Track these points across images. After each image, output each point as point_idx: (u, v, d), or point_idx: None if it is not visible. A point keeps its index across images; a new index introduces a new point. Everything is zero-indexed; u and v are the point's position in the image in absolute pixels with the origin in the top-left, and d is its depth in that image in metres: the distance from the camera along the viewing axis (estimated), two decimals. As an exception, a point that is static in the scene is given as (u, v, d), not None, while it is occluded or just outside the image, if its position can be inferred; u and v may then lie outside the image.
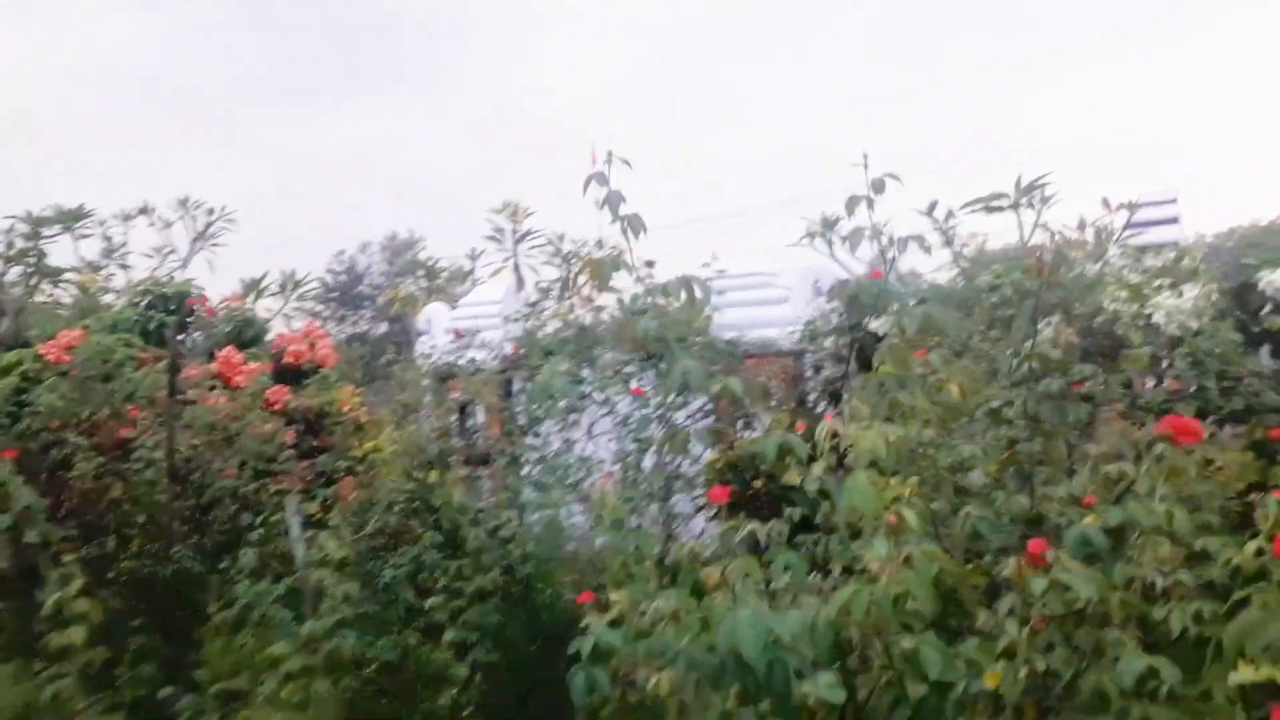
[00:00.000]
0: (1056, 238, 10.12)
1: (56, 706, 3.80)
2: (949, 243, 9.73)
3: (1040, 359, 3.37)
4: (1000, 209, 10.90)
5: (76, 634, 3.83)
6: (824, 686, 2.27)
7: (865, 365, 8.46)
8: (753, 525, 2.80)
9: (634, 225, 3.52)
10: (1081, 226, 10.45)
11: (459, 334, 8.72)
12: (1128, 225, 10.26)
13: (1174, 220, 15.68)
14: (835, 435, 2.75)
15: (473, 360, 8.50)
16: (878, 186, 3.82)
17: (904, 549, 2.54)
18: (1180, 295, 6.54)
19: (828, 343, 8.66)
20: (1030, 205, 11.01)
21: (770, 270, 11.05)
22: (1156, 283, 7.18)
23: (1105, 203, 10.15)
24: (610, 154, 3.48)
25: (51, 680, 3.87)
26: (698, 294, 3.42)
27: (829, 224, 11.48)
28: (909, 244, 4.03)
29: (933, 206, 10.22)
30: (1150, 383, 6.93)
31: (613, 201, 3.47)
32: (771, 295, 10.69)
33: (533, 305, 10.10)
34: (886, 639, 2.49)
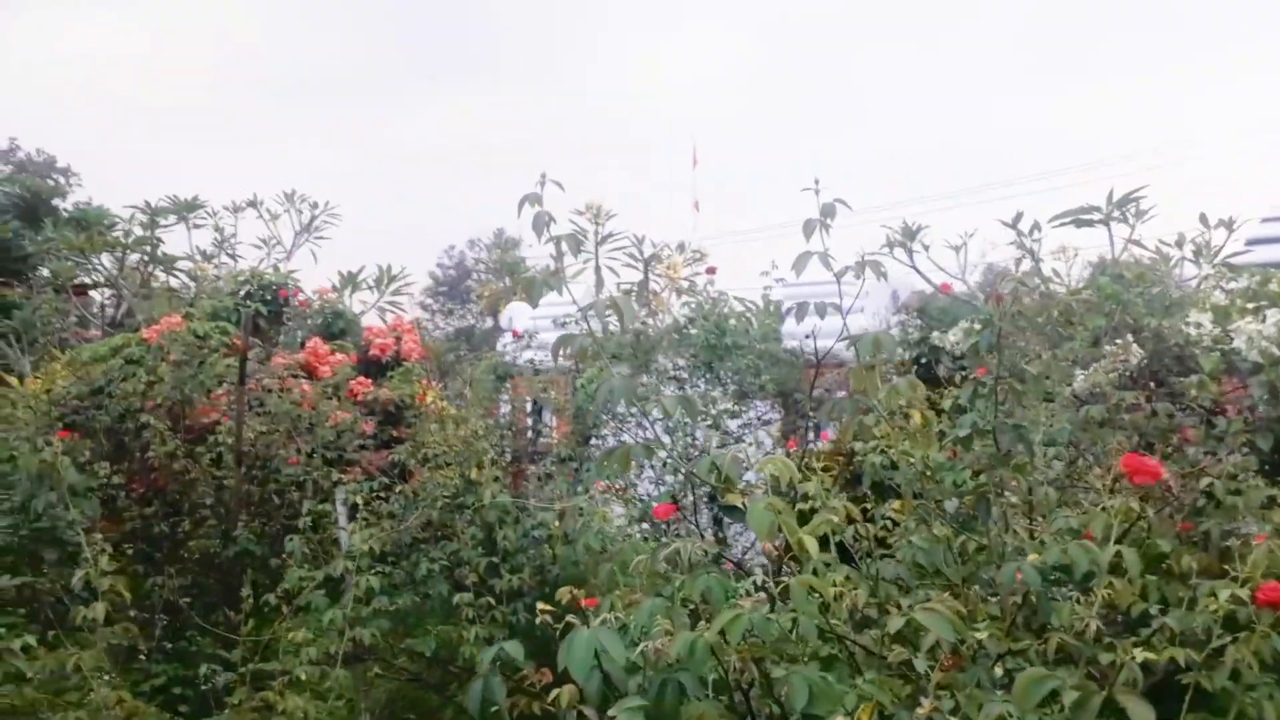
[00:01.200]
0: (1156, 254, 9.69)
1: (80, 679, 4.05)
2: (1031, 256, 9.41)
3: (1010, 388, 3.23)
4: (1091, 223, 10.46)
5: (98, 609, 4.07)
6: (624, 711, 2.26)
7: (931, 380, 8.28)
8: (678, 544, 2.79)
9: (571, 245, 3.55)
10: (1180, 242, 9.99)
11: (517, 334, 8.88)
12: (1229, 242, 9.74)
13: (1299, 237, 14.70)
14: (738, 461, 2.72)
15: (530, 361, 8.63)
16: (827, 211, 3.76)
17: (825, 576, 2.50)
18: (1263, 320, 6.16)
19: (859, 352, 8.47)
20: (1123, 219, 10.53)
21: (847, 280, 10.86)
22: (1247, 305, 6.79)
23: (1203, 219, 9.66)
24: (544, 175, 3.52)
25: (75, 654, 4.12)
26: (625, 315, 3.43)
27: (909, 233, 11.25)
28: (865, 268, 3.95)
29: (1017, 218, 9.93)
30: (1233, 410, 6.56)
31: (537, 224, 3.50)
32: (845, 305, 10.51)
33: (609, 307, 10.19)
34: (764, 666, 2.45)
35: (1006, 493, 3.27)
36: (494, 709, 2.89)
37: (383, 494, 6.10)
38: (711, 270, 8.18)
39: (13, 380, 8.91)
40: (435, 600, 5.55)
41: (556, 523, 5.84)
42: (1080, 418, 4.48)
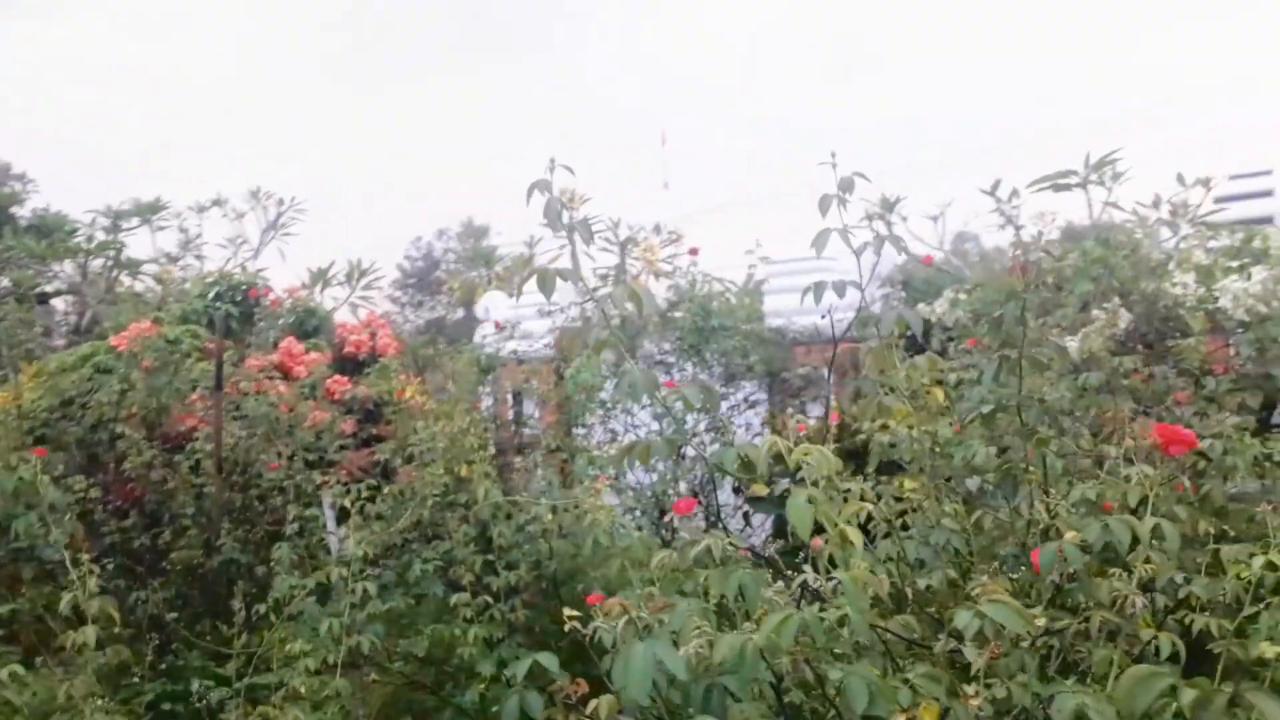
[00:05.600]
0: (1133, 216, 9.69)
1: (71, 705, 3.90)
2: (1011, 223, 9.37)
3: (1031, 360, 3.16)
4: (1068, 187, 10.45)
5: (89, 633, 3.91)
6: None
7: (918, 351, 8.22)
8: (709, 540, 2.69)
9: (582, 232, 3.44)
10: (1156, 203, 9.99)
11: (499, 325, 8.74)
12: (1206, 201, 9.76)
13: (1269, 193, 14.88)
14: (779, 449, 2.61)
15: (514, 352, 8.50)
16: (846, 185, 3.65)
17: (849, 568, 2.40)
18: (1249, 278, 6.15)
19: (880, 330, 8.42)
20: (1100, 182, 10.53)
21: (828, 255, 10.78)
22: (1228, 264, 6.78)
23: (1180, 178, 9.67)
24: (553, 160, 3.40)
25: (66, 679, 3.98)
26: (644, 302, 3.32)
27: (889, 205, 11.18)
28: (899, 241, 3.83)
29: (996, 186, 9.88)
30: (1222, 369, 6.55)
31: (550, 210, 3.39)
32: (831, 280, 10.44)
33: (592, 292, 10.04)
34: (817, 667, 2.36)
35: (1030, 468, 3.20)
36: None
37: (370, 496, 5.96)
38: (694, 251, 8.06)
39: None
40: (431, 601, 5.43)
41: (549, 517, 5.74)
42: (1079, 385, 4.42)
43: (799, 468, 2.52)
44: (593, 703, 2.57)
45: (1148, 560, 2.48)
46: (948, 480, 3.42)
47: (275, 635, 5.03)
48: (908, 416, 3.32)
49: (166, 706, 5.60)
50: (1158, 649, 2.32)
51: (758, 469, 2.60)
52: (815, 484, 2.45)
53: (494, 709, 5.58)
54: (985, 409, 3.17)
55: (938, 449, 3.49)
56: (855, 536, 2.43)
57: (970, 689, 2.25)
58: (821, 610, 2.29)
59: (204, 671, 5.09)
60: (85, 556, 4.16)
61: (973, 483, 3.39)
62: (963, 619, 2.24)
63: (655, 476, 6.91)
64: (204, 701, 4.67)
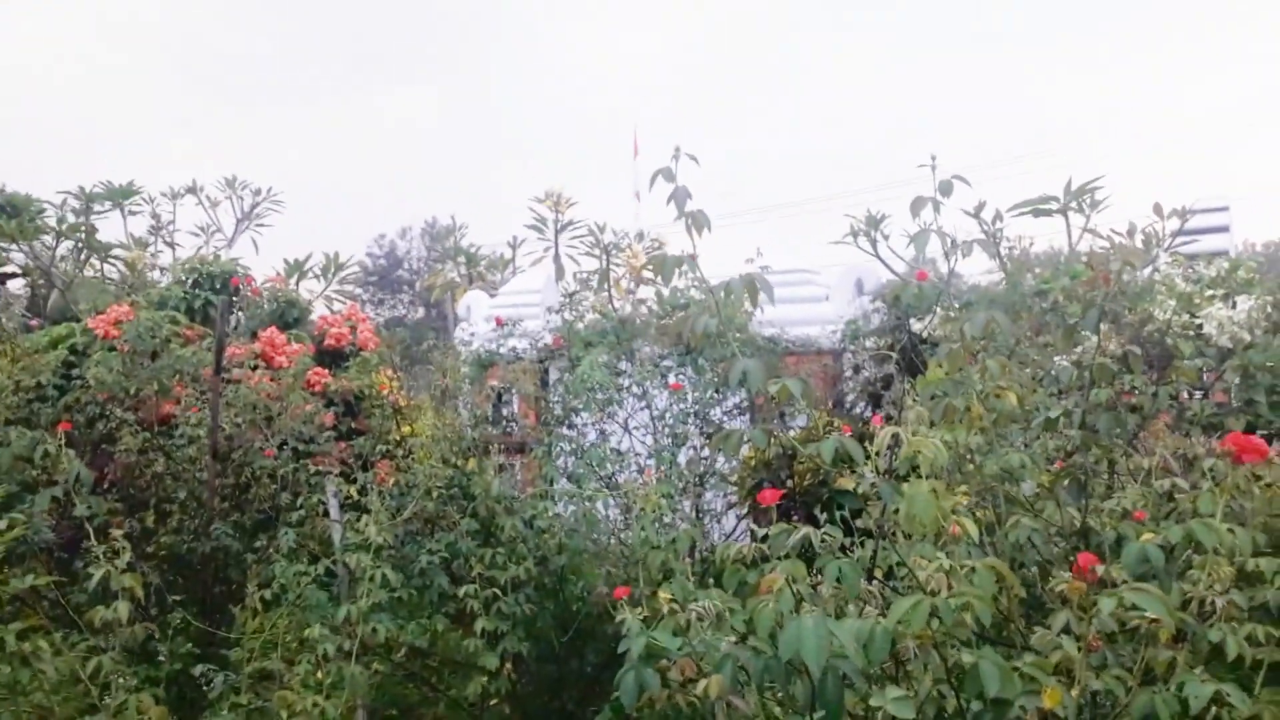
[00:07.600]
0: (1108, 243, 9.97)
1: (98, 679, 3.85)
2: (995, 245, 9.60)
3: (1100, 369, 3.29)
4: (1049, 213, 10.72)
5: (122, 609, 3.89)
6: (892, 701, 2.23)
7: (909, 367, 8.37)
8: (807, 530, 2.76)
9: (698, 222, 3.51)
10: (1131, 232, 10.28)
11: (500, 322, 8.74)
12: (1179, 233, 10.08)
13: (1225, 229, 15.39)
14: (896, 439, 2.70)
15: (513, 349, 8.52)
16: (945, 189, 3.71)
17: (959, 560, 2.50)
18: (1233, 306, 6.40)
19: (869, 343, 8.60)
20: (1080, 209, 10.80)
21: (811, 268, 10.98)
22: (1209, 293, 7.03)
23: (1157, 208, 9.97)
24: (678, 149, 3.47)
25: (94, 653, 3.94)
26: (761, 295, 3.40)
27: (873, 222, 11.36)
28: (971, 247, 3.91)
29: (980, 208, 10.11)
30: (1197, 395, 6.79)
31: (679, 198, 3.46)
32: (812, 293, 10.62)
33: (570, 296, 10.09)
34: (944, 651, 2.44)
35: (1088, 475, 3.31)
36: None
37: (368, 488, 5.95)
38: (694, 257, 8.08)
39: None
40: (434, 591, 5.43)
41: (551, 512, 5.78)
42: (1090, 401, 4.57)
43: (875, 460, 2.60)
44: (702, 683, 2.62)
45: (1229, 559, 2.59)
46: (982, 489, 3.52)
47: (279, 621, 5.00)
48: (979, 419, 3.41)
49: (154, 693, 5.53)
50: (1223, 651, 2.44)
51: (855, 461, 2.68)
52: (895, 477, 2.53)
53: (493, 703, 5.60)
54: (1053, 414, 3.28)
55: (968, 457, 3.59)
56: (971, 528, 2.52)
57: (1079, 680, 2.35)
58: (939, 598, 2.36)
59: (190, 657, 5.02)
60: (118, 532, 4.12)
61: (1028, 488, 3.50)
62: (1107, 605, 2.33)
63: (636, 476, 6.96)
64: (209, 684, 4.63)
